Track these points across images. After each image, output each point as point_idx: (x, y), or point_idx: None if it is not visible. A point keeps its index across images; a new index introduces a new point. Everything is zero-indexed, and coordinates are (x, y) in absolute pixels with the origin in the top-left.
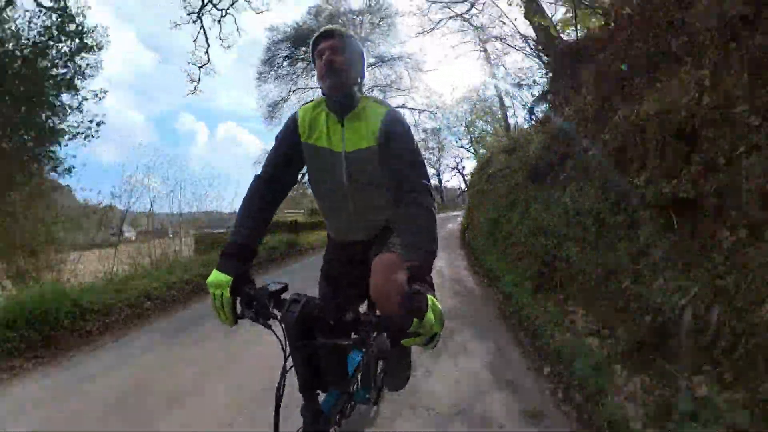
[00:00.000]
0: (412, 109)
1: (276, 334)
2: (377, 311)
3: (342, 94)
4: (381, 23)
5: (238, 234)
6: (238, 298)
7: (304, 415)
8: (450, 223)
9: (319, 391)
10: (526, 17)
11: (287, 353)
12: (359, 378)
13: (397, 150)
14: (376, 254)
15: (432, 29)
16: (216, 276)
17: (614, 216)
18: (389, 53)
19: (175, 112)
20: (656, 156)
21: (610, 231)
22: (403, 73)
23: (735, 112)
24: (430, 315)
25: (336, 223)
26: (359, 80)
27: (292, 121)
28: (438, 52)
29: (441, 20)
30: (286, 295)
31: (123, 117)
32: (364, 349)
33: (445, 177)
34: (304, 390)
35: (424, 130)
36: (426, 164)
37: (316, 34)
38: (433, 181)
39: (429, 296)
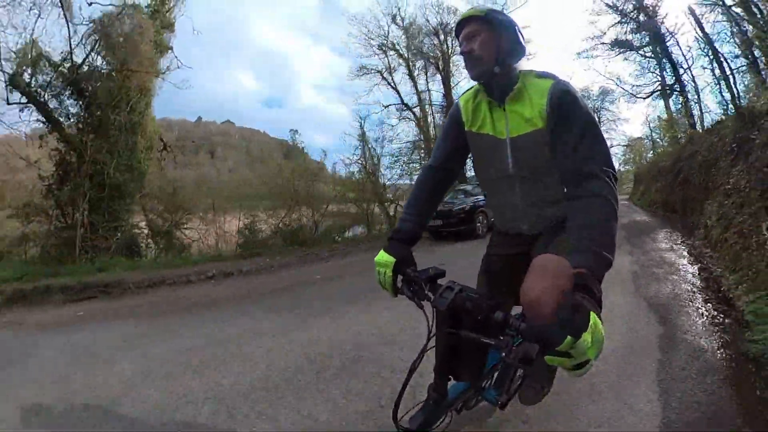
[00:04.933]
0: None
1: (426, 316)
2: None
3: (489, 79)
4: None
5: (405, 220)
6: (400, 277)
7: (429, 392)
8: None
9: (452, 377)
10: None
11: (431, 334)
12: (494, 377)
13: (568, 129)
14: (540, 252)
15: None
16: (382, 256)
17: None
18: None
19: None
20: None
21: None
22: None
23: None
24: (587, 336)
25: (501, 214)
26: (513, 57)
27: (455, 111)
28: None
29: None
30: (443, 281)
31: (332, 111)
32: (504, 354)
33: None
34: (437, 372)
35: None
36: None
37: (454, 22)
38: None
39: (592, 313)
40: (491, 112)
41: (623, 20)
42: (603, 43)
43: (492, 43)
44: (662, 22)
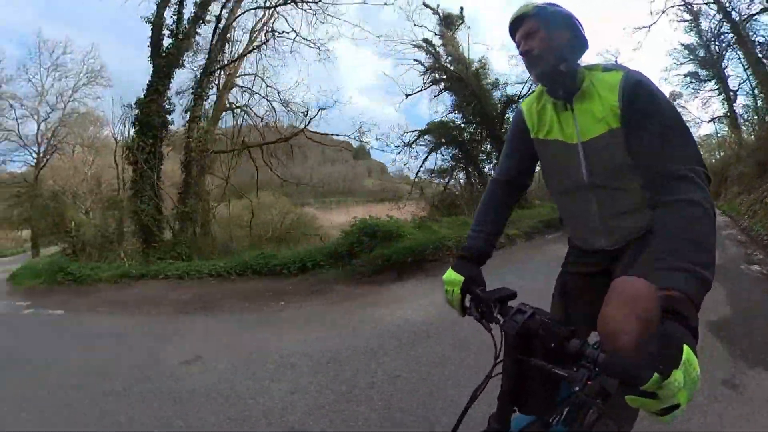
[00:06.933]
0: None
1: (494, 339)
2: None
3: (554, 79)
4: None
5: (473, 237)
6: (469, 296)
7: (490, 422)
8: None
9: (516, 408)
10: None
11: (498, 359)
12: (565, 412)
13: (648, 125)
14: (622, 273)
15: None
16: (450, 274)
17: None
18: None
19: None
20: None
21: None
22: None
23: None
24: (679, 374)
25: (576, 227)
26: (575, 52)
27: (519, 118)
28: None
29: None
30: (514, 303)
31: (379, 112)
32: (577, 387)
33: None
34: (501, 401)
35: None
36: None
37: (508, 24)
38: None
39: (686, 347)
40: (558, 115)
41: (694, 58)
42: (678, 75)
43: (551, 40)
44: (726, 68)
